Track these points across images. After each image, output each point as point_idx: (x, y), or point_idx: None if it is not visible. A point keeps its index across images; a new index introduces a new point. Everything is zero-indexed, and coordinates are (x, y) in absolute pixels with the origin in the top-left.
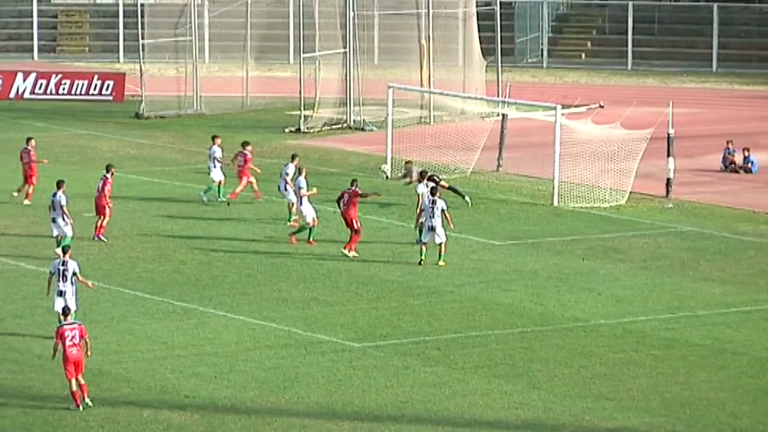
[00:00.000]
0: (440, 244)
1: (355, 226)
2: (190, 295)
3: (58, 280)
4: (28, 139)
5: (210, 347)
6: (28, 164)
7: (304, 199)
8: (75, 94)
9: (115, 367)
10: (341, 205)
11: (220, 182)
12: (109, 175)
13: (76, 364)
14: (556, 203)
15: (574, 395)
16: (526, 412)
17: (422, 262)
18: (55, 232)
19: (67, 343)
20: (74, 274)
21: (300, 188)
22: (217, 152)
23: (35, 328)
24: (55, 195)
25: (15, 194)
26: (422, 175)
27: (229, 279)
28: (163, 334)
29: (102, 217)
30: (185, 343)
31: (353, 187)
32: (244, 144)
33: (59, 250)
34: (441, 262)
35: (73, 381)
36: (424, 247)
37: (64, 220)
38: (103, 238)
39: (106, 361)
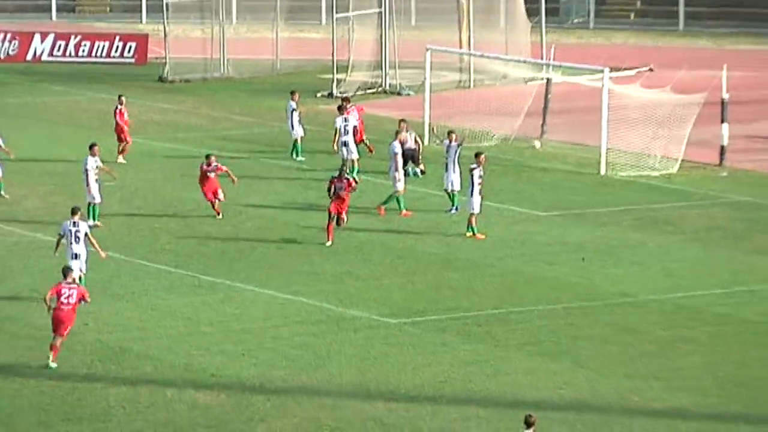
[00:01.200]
0: (471, 215)
1: (343, 218)
2: (216, 268)
3: (71, 242)
4: (120, 96)
5: (237, 323)
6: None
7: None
8: (95, 57)
9: (137, 344)
10: (331, 194)
11: (297, 139)
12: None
13: (63, 324)
14: (603, 172)
15: (622, 374)
16: (570, 392)
17: (473, 234)
18: (88, 200)
19: (62, 299)
20: (86, 235)
21: (395, 153)
22: (292, 107)
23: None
24: (87, 161)
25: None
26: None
27: (258, 251)
28: (187, 310)
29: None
30: (211, 319)
31: (343, 176)
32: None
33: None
34: (469, 234)
35: (58, 339)
36: (473, 219)
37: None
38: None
39: (128, 338)
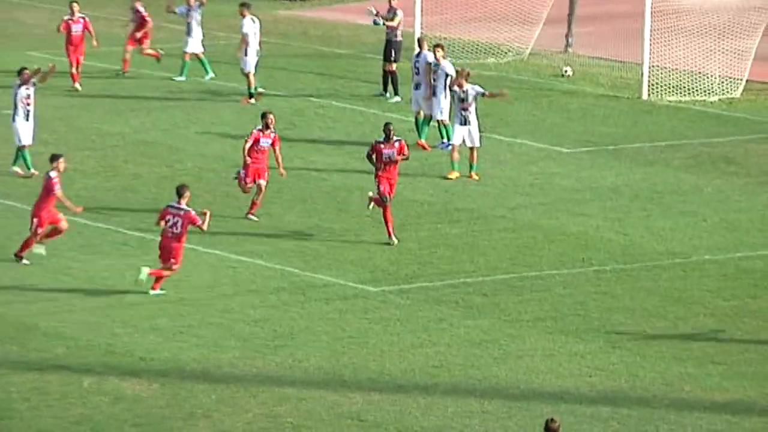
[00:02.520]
0: (472, 149)
1: (389, 198)
2: (147, 221)
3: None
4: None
5: (174, 292)
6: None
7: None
8: None
9: (45, 320)
10: (373, 162)
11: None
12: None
13: (162, 252)
14: (645, 96)
15: (669, 357)
16: (603, 380)
17: (455, 176)
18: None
19: (166, 227)
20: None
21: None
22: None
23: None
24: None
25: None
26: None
27: (201, 199)
28: (110, 275)
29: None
30: (140, 287)
31: (391, 138)
32: None
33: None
34: (474, 175)
35: (164, 270)
36: (456, 154)
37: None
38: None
39: (33, 311)
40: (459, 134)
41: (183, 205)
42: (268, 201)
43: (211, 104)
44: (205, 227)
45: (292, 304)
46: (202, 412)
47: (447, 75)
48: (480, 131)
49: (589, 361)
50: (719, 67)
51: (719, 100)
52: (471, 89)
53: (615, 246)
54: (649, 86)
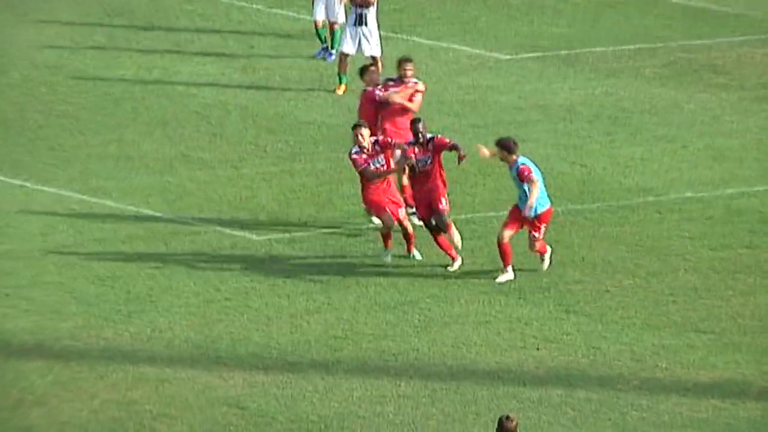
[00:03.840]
0: (375, 58)
1: (442, 207)
2: None
3: None
4: None
5: None
6: None
7: None
8: None
9: None
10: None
11: None
12: None
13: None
14: None
15: (640, 325)
16: (555, 355)
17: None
18: None
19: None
20: None
21: None
22: None
23: None
24: None
25: None
26: None
27: (31, 121)
28: None
29: None
30: None
31: (421, 132)
32: None
33: None
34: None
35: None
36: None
37: None
38: None
39: None
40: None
41: None
42: (119, 124)
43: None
44: None
45: (151, 258)
46: (35, 399)
47: None
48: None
49: (536, 329)
50: None
51: None
52: None
53: (570, 181)
54: None
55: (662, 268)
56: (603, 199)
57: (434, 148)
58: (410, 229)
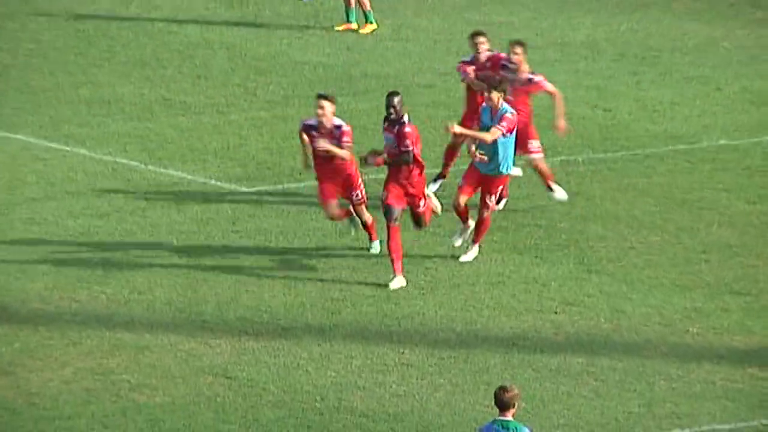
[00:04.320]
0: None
1: (423, 212)
2: None
3: None
4: None
5: None
6: None
7: None
8: None
9: None
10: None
11: None
12: None
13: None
14: None
15: (669, 285)
16: (575, 319)
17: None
18: None
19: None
20: None
21: None
22: None
23: None
24: None
25: None
26: None
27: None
28: None
29: None
30: None
31: (394, 108)
32: None
33: None
34: (367, 27)
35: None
36: None
37: None
38: None
39: None
40: None
41: None
42: (92, 64)
43: None
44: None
45: (130, 211)
46: (1, 367)
47: None
48: None
49: (554, 291)
50: None
51: None
52: None
53: (592, 126)
54: None
55: (694, 222)
56: (628, 147)
57: (398, 134)
58: (360, 216)
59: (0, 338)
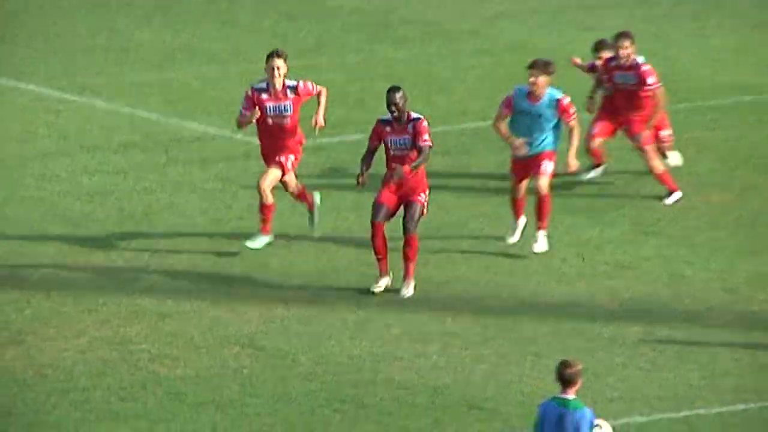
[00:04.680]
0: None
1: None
2: None
3: None
4: None
5: None
6: None
7: None
8: None
9: None
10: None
11: None
12: None
13: None
14: None
15: (731, 250)
16: (632, 284)
17: None
18: None
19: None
20: None
21: None
22: None
23: None
24: None
25: None
26: None
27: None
28: None
29: None
30: None
31: (396, 104)
32: None
33: None
34: None
35: None
36: None
37: None
38: None
39: None
40: None
41: None
42: (109, 8)
43: None
44: None
45: (149, 168)
46: (10, 336)
47: None
48: None
49: (609, 254)
50: None
51: None
52: None
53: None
54: None
55: (760, 181)
56: (689, 98)
57: (414, 132)
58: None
59: (10, 305)
